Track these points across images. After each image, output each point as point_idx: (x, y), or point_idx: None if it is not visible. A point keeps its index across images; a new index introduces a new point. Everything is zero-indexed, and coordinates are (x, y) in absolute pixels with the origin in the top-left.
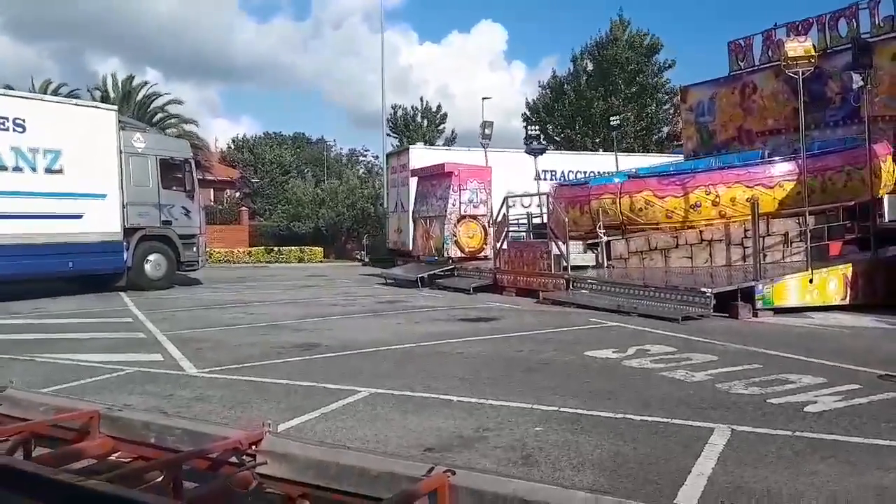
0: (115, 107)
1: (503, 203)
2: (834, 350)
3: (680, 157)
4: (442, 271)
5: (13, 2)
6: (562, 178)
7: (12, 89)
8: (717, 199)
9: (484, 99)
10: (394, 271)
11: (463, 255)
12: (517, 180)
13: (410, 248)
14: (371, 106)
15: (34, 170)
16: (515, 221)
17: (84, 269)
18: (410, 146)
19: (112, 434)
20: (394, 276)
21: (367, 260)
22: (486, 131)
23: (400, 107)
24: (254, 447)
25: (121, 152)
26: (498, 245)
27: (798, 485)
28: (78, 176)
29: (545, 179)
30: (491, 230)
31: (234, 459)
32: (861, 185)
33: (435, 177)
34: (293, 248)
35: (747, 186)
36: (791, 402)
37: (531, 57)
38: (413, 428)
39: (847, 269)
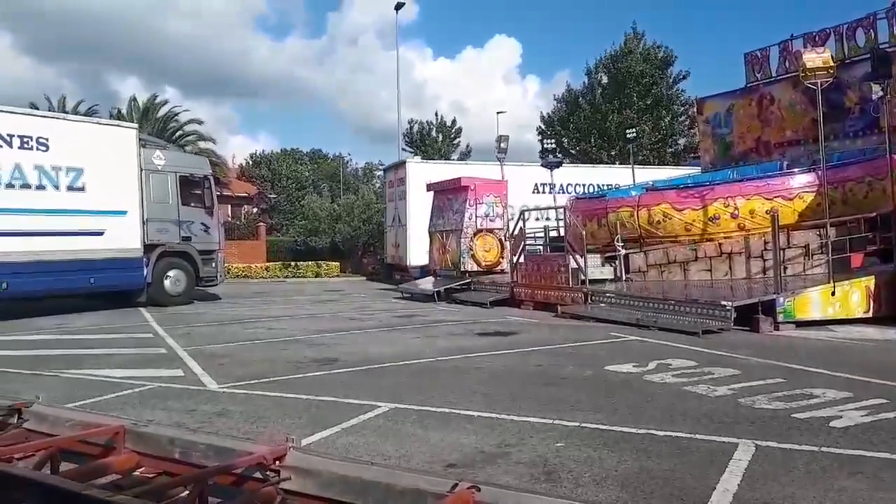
0: (136, 125)
1: (520, 216)
2: (858, 363)
3: (696, 170)
4: (458, 285)
5: (33, 23)
6: (560, 191)
7: (37, 108)
8: (736, 212)
9: (498, 113)
10: (410, 286)
11: (479, 269)
12: (523, 194)
13: (408, 263)
14: (386, 121)
15: (57, 188)
16: (532, 235)
17: (105, 286)
18: (407, 160)
19: (137, 449)
20: (410, 290)
21: (380, 275)
22: (503, 145)
23: (416, 122)
24: (278, 462)
25: (141, 169)
26: (515, 259)
27: (826, 501)
28: (99, 193)
29: (543, 193)
30: (507, 244)
31: (258, 475)
32: (882, 195)
33: (451, 191)
34: (310, 262)
35: (766, 198)
36: (816, 417)
37: (545, 70)
38: (435, 443)
39: (869, 282)
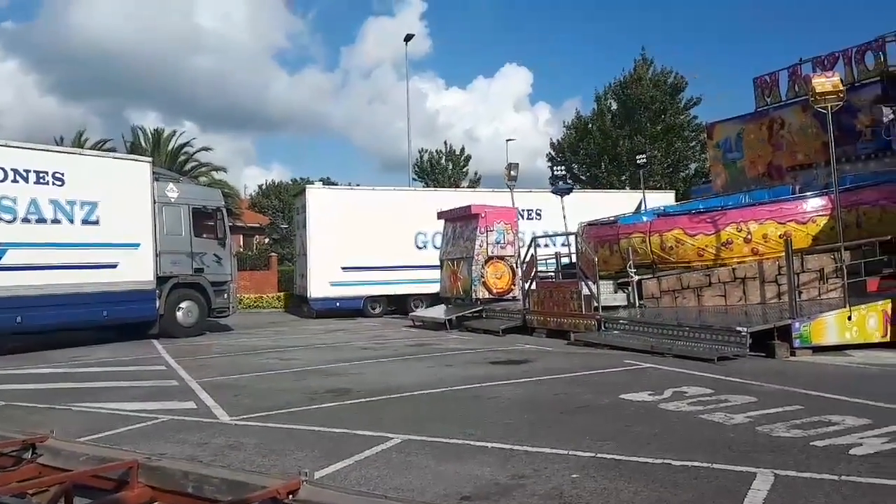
0: (150, 159)
1: (531, 243)
2: (877, 389)
3: (667, 198)
4: (470, 313)
5: (61, 63)
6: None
7: (61, 143)
8: (749, 236)
9: (508, 140)
10: (422, 313)
11: (491, 297)
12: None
13: (309, 294)
14: (400, 151)
15: (71, 221)
16: (543, 261)
17: (118, 318)
18: (308, 186)
19: (151, 484)
20: (422, 318)
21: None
22: (513, 172)
23: (426, 151)
24: (291, 496)
25: (154, 202)
26: (527, 286)
27: None
28: (113, 226)
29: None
30: (519, 271)
31: None
32: None
33: (462, 218)
34: None
35: (779, 222)
36: (835, 445)
37: (555, 98)
38: (449, 475)
39: (886, 306)
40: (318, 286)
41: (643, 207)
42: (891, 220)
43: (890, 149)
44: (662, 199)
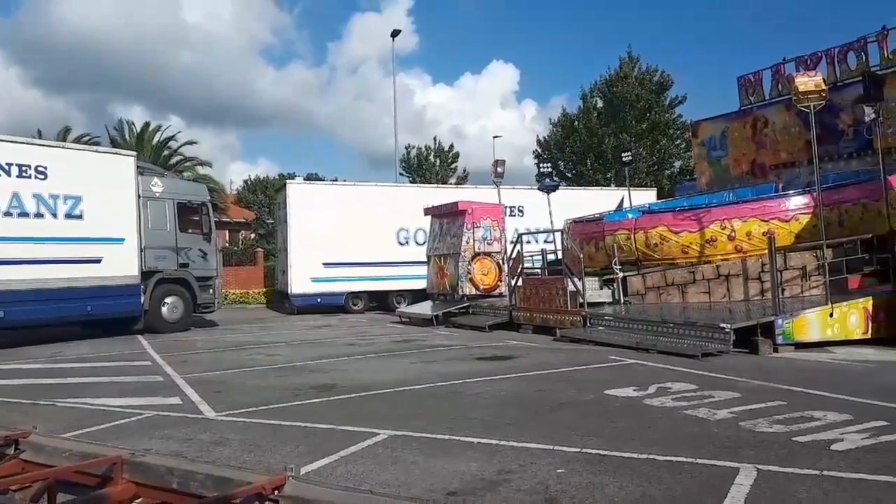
0: (134, 153)
1: (517, 239)
2: (858, 385)
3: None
4: (457, 309)
5: (45, 57)
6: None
7: (40, 136)
8: (733, 234)
9: (495, 137)
10: (408, 309)
11: (478, 293)
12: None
13: (290, 290)
14: (387, 147)
15: (55, 216)
16: (529, 258)
17: (102, 313)
18: (288, 181)
19: (135, 479)
20: (408, 314)
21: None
22: (499, 169)
23: (413, 147)
24: (277, 492)
25: (139, 197)
26: (513, 282)
27: None
28: (97, 221)
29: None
30: (505, 267)
31: None
32: (878, 217)
33: (448, 215)
34: None
35: (763, 220)
36: (817, 440)
37: (542, 95)
38: (435, 471)
39: (867, 303)
40: (300, 282)
41: (625, 205)
42: (872, 218)
43: (871, 147)
44: (645, 196)
